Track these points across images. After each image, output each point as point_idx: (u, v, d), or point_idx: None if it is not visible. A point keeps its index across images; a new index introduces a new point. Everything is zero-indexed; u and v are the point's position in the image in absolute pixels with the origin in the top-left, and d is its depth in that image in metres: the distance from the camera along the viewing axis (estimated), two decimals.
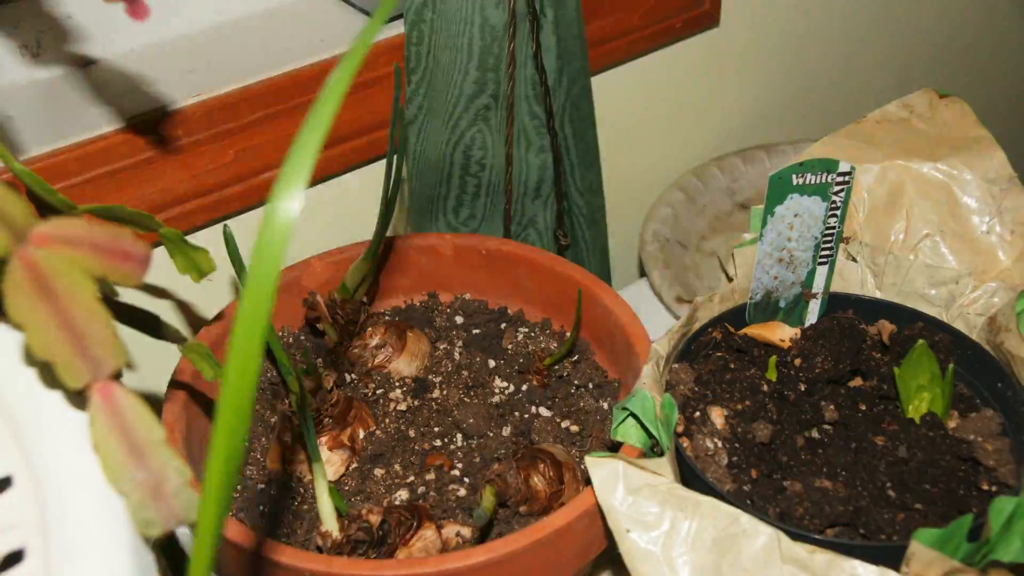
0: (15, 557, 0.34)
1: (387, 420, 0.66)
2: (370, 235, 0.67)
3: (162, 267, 0.76)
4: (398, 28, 0.79)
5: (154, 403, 0.51)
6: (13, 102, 0.71)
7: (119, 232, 0.35)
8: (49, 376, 0.37)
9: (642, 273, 1.04)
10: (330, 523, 0.54)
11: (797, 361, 0.64)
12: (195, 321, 0.81)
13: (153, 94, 0.72)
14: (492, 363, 0.71)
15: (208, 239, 0.77)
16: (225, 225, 0.61)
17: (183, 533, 0.53)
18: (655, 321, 0.89)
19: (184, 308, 0.81)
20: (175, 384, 0.62)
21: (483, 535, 0.58)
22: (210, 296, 0.81)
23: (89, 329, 0.33)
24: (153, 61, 0.77)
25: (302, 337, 0.73)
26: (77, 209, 0.44)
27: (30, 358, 0.36)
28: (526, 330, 0.74)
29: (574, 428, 0.66)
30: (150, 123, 0.70)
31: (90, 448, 0.35)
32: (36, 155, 0.67)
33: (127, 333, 0.48)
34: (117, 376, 0.34)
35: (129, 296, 0.48)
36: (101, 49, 0.77)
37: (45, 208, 0.43)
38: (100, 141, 0.69)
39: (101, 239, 0.35)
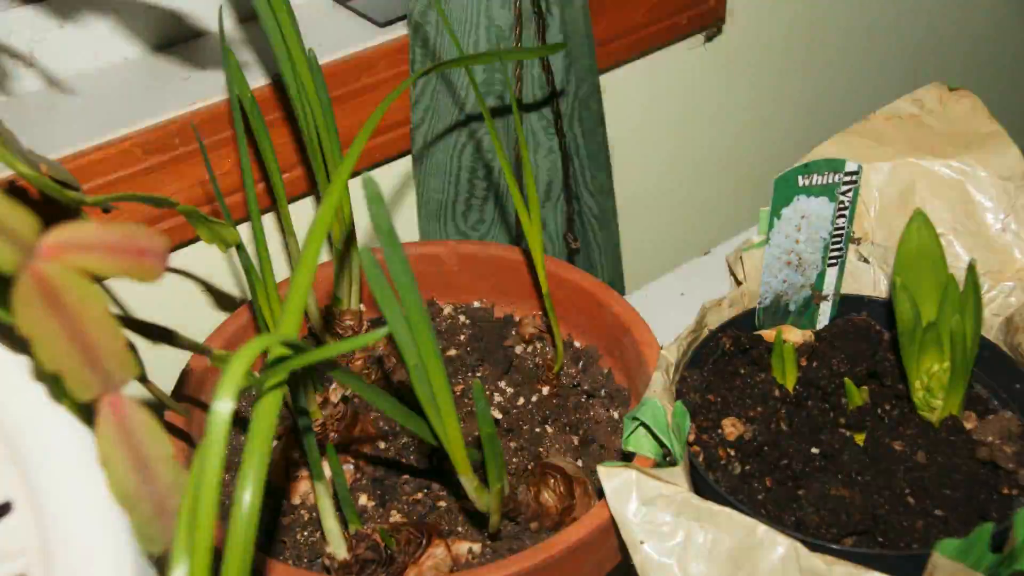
0: None
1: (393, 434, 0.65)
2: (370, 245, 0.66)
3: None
4: (401, 30, 0.78)
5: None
6: (7, 113, 0.71)
7: (133, 230, 0.34)
8: (54, 395, 0.36)
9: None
10: (336, 543, 0.53)
11: (812, 364, 0.63)
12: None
13: (149, 103, 0.71)
14: (498, 372, 0.70)
15: (205, 250, 0.76)
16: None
17: None
18: (669, 322, 0.87)
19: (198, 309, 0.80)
20: (177, 396, 0.61)
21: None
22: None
23: (99, 341, 0.33)
24: (148, 69, 0.76)
25: None
26: (88, 201, 0.44)
27: (38, 373, 0.36)
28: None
29: (584, 440, 0.64)
30: (147, 133, 0.69)
31: (93, 471, 0.34)
32: None
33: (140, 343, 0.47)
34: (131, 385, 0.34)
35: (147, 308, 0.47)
36: (93, 57, 0.76)
37: (56, 209, 0.42)
38: (97, 151, 0.68)
39: (115, 239, 0.34)
